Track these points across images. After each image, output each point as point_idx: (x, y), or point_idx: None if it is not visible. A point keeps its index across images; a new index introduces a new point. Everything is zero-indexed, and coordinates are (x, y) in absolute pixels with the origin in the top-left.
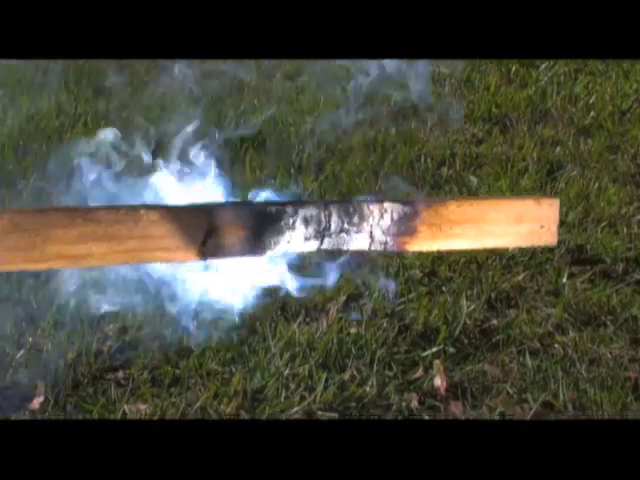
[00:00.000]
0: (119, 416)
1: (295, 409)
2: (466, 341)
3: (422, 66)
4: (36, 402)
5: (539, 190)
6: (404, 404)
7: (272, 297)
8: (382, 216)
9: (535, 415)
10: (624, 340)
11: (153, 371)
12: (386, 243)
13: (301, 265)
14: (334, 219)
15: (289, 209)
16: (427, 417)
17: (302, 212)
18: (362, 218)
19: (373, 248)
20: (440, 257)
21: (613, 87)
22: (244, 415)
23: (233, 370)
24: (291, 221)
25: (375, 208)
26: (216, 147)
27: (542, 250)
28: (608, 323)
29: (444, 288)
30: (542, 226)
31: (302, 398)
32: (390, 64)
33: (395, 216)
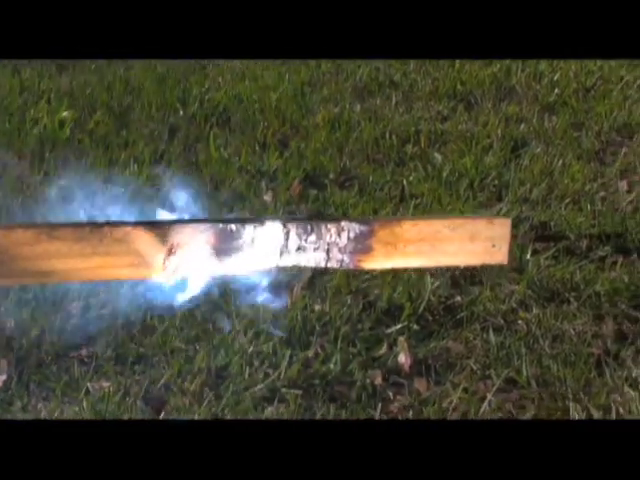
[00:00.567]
0: (82, 394)
1: (259, 386)
2: (430, 318)
3: None
4: None
5: (503, 167)
6: (368, 381)
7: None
8: (339, 235)
9: (498, 391)
10: (587, 316)
11: (117, 349)
12: (342, 261)
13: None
14: (292, 237)
15: (248, 227)
16: (391, 394)
17: (261, 230)
18: (319, 236)
19: (329, 265)
20: None
21: (577, 64)
22: (208, 392)
23: (197, 347)
24: (250, 238)
25: (333, 227)
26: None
27: None
28: (571, 299)
29: None
30: (494, 245)
31: (266, 375)
32: None
33: (352, 235)
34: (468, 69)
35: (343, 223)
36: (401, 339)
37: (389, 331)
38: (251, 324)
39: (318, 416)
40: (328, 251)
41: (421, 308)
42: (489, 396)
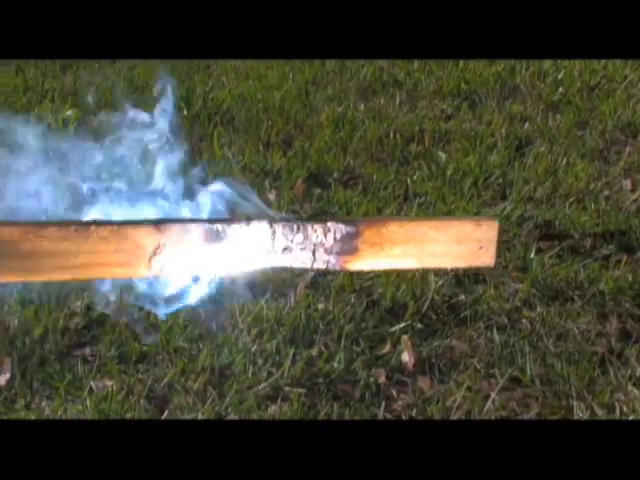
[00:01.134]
0: (85, 392)
1: (262, 385)
2: (434, 317)
3: None
4: (2, 379)
5: (507, 166)
6: (372, 379)
7: None
8: (325, 235)
9: (502, 390)
10: (591, 315)
11: (120, 347)
12: (328, 262)
13: None
14: (278, 237)
15: (235, 226)
16: (395, 393)
17: (247, 230)
18: (306, 237)
19: (316, 266)
20: None
21: (581, 63)
22: (211, 391)
23: (200, 346)
24: (236, 238)
25: (319, 227)
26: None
27: (510, 226)
28: (575, 298)
29: None
30: (481, 247)
31: (270, 374)
32: None
33: (338, 235)
34: (472, 68)
35: (329, 224)
36: (405, 338)
37: (393, 330)
38: (254, 322)
39: (322, 415)
40: (314, 252)
41: (425, 307)
42: (493, 395)
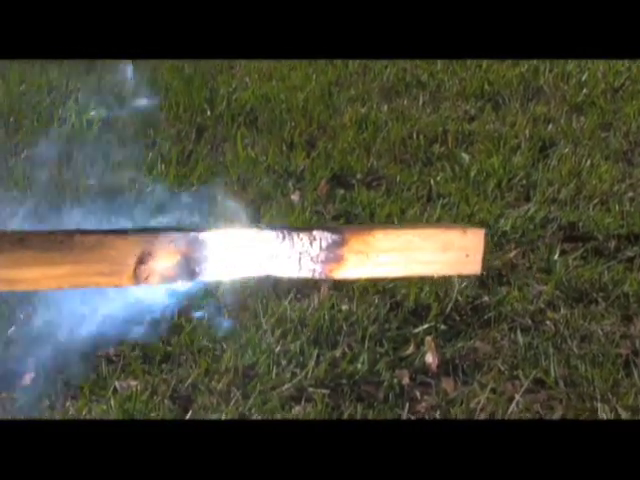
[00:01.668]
0: (110, 392)
1: (286, 386)
2: (458, 318)
3: None
4: (27, 378)
5: (531, 167)
6: (395, 381)
7: None
8: (311, 244)
9: (526, 392)
10: (615, 317)
11: (144, 348)
12: (314, 270)
13: None
14: (264, 245)
15: (220, 235)
16: (419, 394)
17: (233, 238)
18: (291, 245)
19: (301, 275)
20: None
21: (605, 64)
22: (235, 391)
23: (224, 347)
24: (222, 247)
25: (304, 235)
26: None
27: (534, 227)
28: (600, 300)
29: None
30: (467, 255)
31: (293, 375)
32: None
33: (324, 244)
34: (495, 69)
35: (315, 232)
36: (428, 339)
37: (416, 331)
38: (278, 323)
39: (345, 416)
40: (300, 260)
41: (448, 308)
42: (517, 396)
